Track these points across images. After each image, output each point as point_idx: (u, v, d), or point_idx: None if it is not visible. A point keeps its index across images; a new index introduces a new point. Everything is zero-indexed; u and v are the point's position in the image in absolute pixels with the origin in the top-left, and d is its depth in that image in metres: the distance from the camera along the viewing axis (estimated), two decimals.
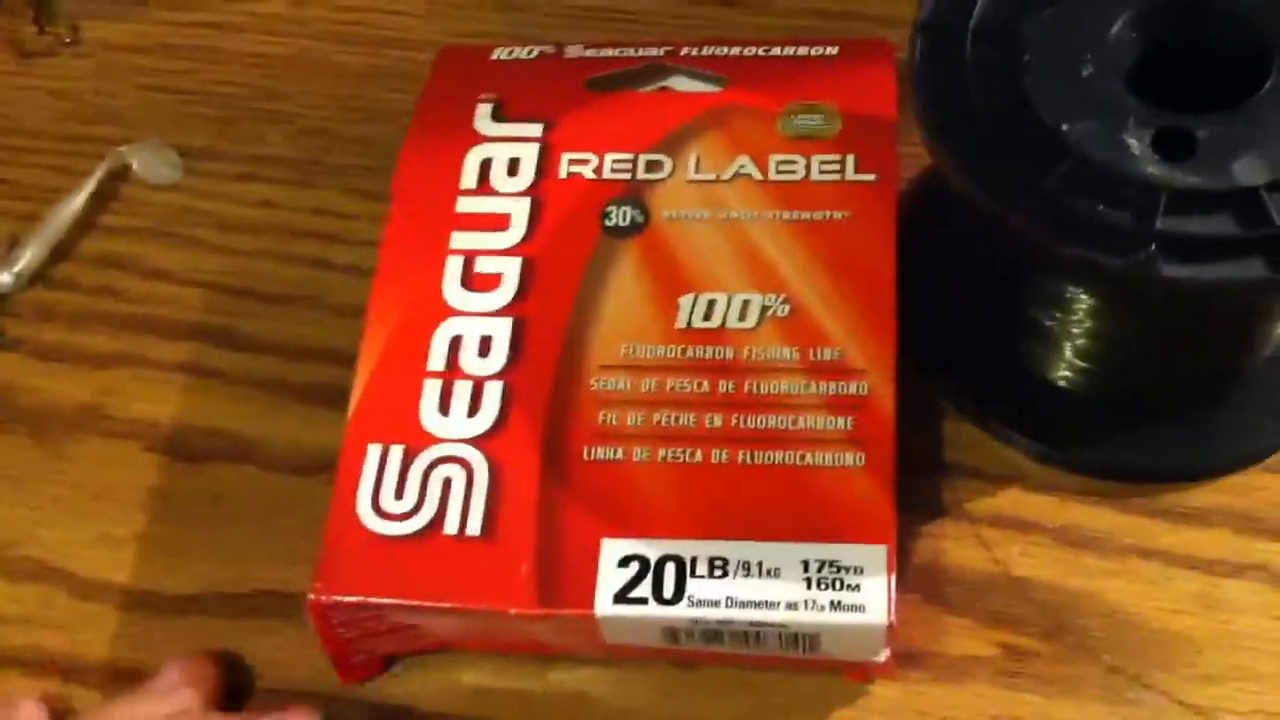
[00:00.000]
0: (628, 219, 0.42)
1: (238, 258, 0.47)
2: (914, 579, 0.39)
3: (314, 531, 0.37)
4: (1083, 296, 0.38)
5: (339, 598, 0.37)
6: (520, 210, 0.42)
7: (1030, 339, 0.40)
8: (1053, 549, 0.39)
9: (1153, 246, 0.32)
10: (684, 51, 0.45)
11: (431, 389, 0.40)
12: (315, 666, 0.39)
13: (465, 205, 0.43)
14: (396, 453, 0.39)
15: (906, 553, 0.39)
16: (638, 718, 0.38)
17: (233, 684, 0.39)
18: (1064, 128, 0.35)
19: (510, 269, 0.41)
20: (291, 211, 0.48)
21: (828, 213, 0.41)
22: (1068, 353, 0.40)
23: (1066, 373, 0.40)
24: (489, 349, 0.40)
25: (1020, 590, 0.39)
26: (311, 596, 0.37)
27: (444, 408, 0.39)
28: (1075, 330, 0.39)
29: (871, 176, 0.42)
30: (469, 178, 0.43)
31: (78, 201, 0.48)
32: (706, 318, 0.40)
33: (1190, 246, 0.32)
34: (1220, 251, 0.33)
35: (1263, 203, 0.33)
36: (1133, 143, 0.34)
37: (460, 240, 0.42)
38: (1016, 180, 0.34)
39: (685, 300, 0.40)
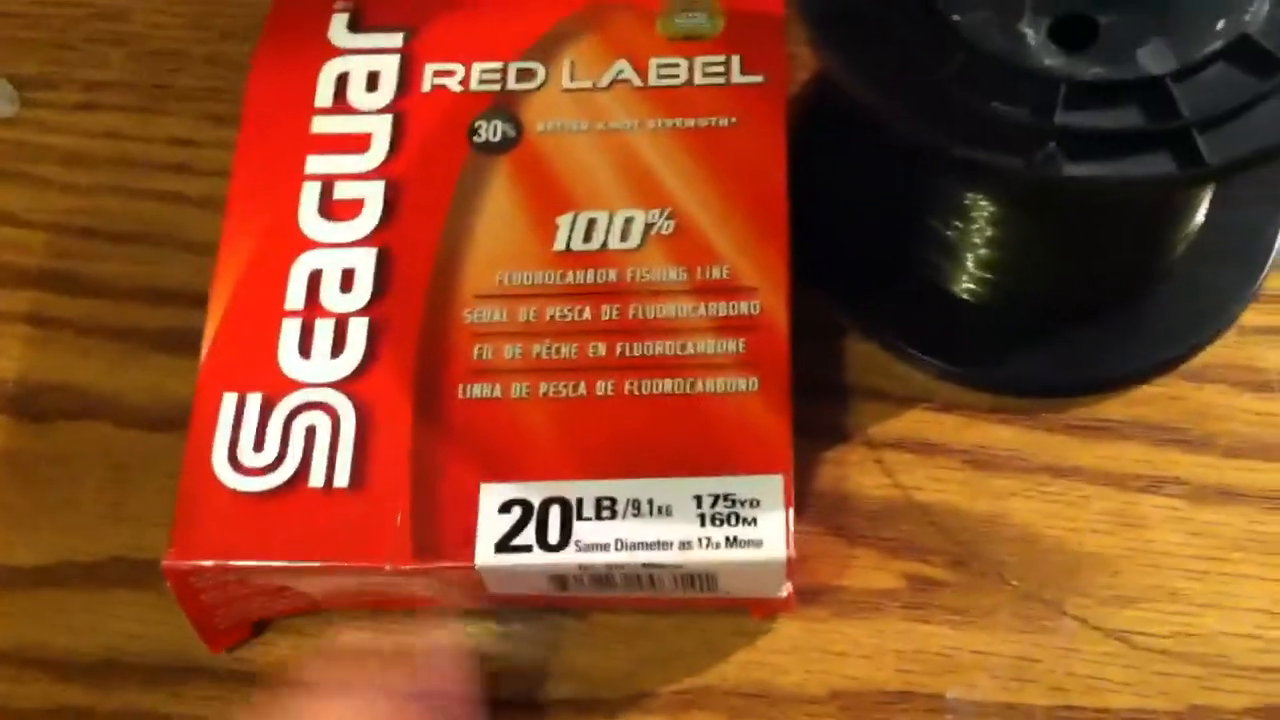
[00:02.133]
0: (499, 133, 0.39)
1: (82, 195, 0.43)
2: (814, 510, 0.36)
3: (172, 491, 0.35)
4: (982, 202, 0.35)
5: (196, 562, 0.34)
6: (381, 129, 0.39)
7: (929, 249, 0.38)
8: (959, 472, 0.37)
9: (1052, 144, 0.30)
10: None
11: (290, 329, 0.37)
12: (180, 636, 0.36)
13: (321, 125, 0.39)
14: (254, 401, 0.36)
15: (805, 482, 0.37)
16: (531, 672, 0.36)
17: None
18: (955, 18, 0.32)
19: (372, 194, 0.38)
20: (139, 142, 0.44)
21: (713, 119, 0.38)
22: (969, 262, 0.37)
23: (969, 284, 0.38)
24: (352, 283, 0.37)
25: (926, 517, 0.36)
26: (166, 562, 0.34)
27: (305, 349, 0.36)
28: (976, 238, 0.36)
29: (759, 78, 0.39)
30: (324, 95, 0.40)
31: None
32: (587, 238, 0.37)
33: (1093, 142, 0.30)
34: (1125, 147, 0.30)
35: (1169, 92, 0.30)
36: (1029, 32, 0.31)
37: (316, 164, 0.39)
38: (905, 77, 0.31)
39: (564, 220, 0.37)
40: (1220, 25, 0.31)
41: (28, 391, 0.40)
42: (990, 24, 0.32)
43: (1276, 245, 0.38)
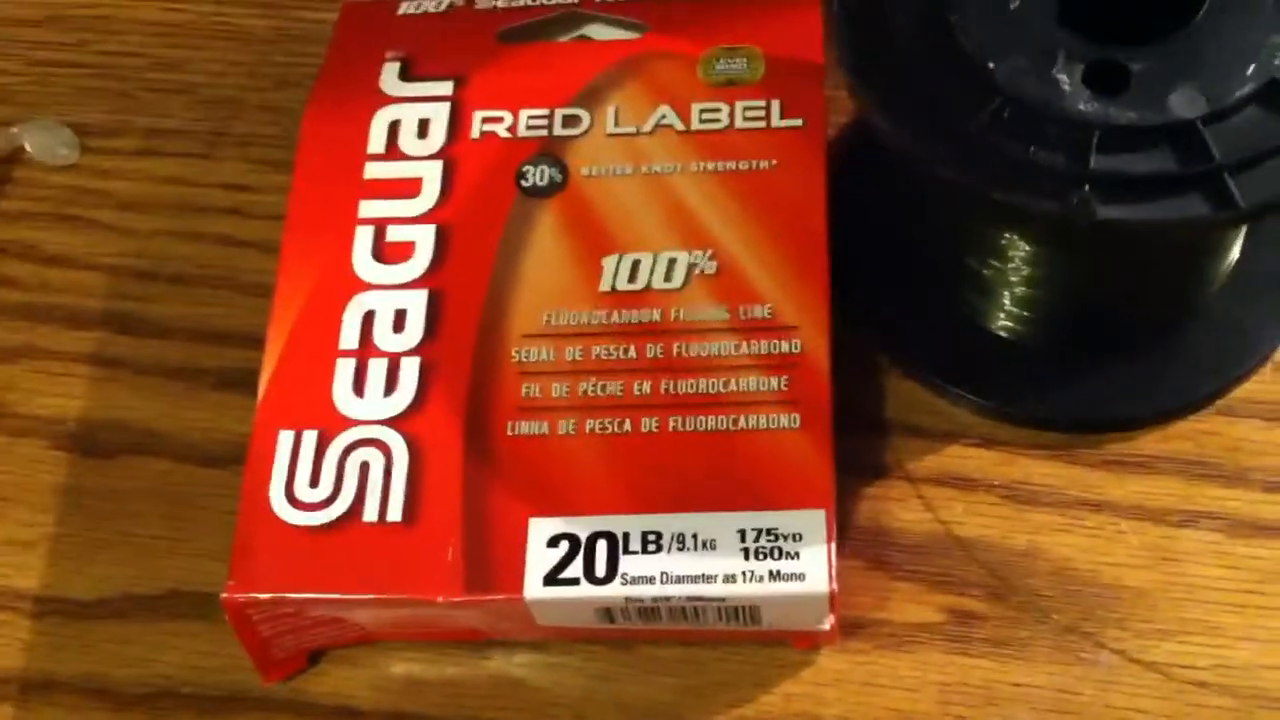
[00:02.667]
0: (545, 178, 0.40)
1: (141, 239, 0.44)
2: (855, 544, 0.37)
3: (229, 526, 0.36)
4: (1019, 243, 0.36)
5: (254, 594, 0.35)
6: (432, 174, 0.40)
7: (968, 288, 0.38)
8: (998, 506, 0.37)
9: (1086, 188, 0.30)
10: None
11: (344, 369, 0.38)
12: (235, 666, 0.37)
13: (373, 171, 0.40)
14: (310, 438, 0.37)
15: (847, 516, 0.37)
16: (577, 703, 0.36)
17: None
18: (991, 65, 0.33)
19: (423, 237, 0.39)
20: (197, 187, 0.45)
21: (754, 162, 0.39)
22: (1006, 301, 0.38)
23: (1006, 322, 0.38)
24: (404, 324, 0.38)
25: (965, 551, 0.37)
26: (225, 595, 0.35)
27: (358, 388, 0.37)
28: (1013, 278, 0.37)
29: (798, 122, 0.40)
30: (376, 141, 0.41)
31: None
32: (631, 279, 0.38)
33: (1126, 186, 0.31)
34: (1157, 190, 0.31)
35: (1200, 136, 0.31)
36: (1063, 79, 0.32)
37: (369, 209, 0.40)
38: (942, 122, 0.32)
39: (608, 261, 0.38)
40: (1250, 70, 0.32)
41: (88, 429, 0.41)
42: (1025, 71, 0.33)
43: None
